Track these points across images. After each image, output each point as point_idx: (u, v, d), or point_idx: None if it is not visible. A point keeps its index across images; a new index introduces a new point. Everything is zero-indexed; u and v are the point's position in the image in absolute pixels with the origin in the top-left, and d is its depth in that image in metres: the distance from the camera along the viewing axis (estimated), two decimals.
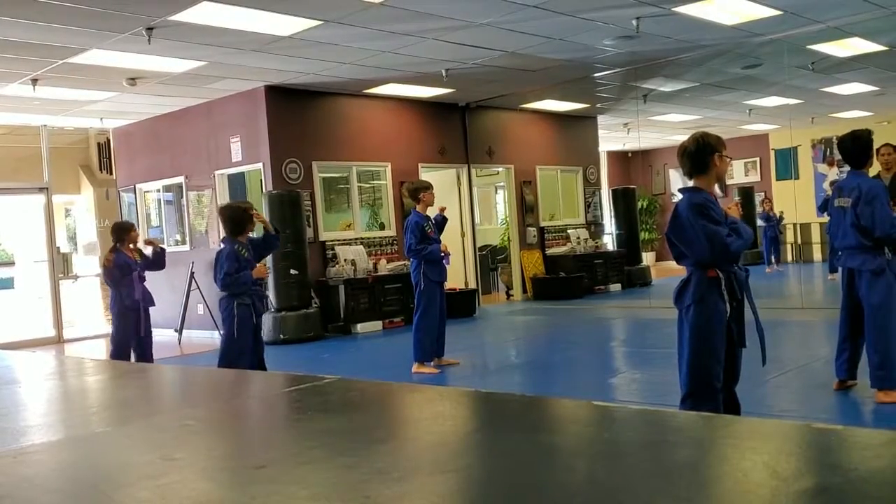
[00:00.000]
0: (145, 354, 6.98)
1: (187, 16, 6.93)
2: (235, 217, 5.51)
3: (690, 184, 3.70)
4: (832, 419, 4.73)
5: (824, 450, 1.28)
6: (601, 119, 14.91)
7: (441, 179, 12.73)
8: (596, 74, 10.88)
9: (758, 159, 18.26)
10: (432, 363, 7.03)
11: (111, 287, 7.00)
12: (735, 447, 1.33)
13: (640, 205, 17.14)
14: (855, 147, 5.04)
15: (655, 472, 1.21)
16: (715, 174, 3.66)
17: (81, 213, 13.63)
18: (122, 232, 7.02)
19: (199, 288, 10.52)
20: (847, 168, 5.18)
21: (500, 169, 13.61)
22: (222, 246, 5.53)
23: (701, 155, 3.62)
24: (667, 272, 17.46)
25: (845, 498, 1.05)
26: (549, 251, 13.75)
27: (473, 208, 13.05)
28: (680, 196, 3.75)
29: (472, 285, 12.55)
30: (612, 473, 1.24)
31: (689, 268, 3.66)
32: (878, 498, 1.05)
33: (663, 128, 16.40)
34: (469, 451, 1.46)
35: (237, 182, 11.57)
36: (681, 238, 3.62)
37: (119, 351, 6.88)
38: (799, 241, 16.79)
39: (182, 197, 11.48)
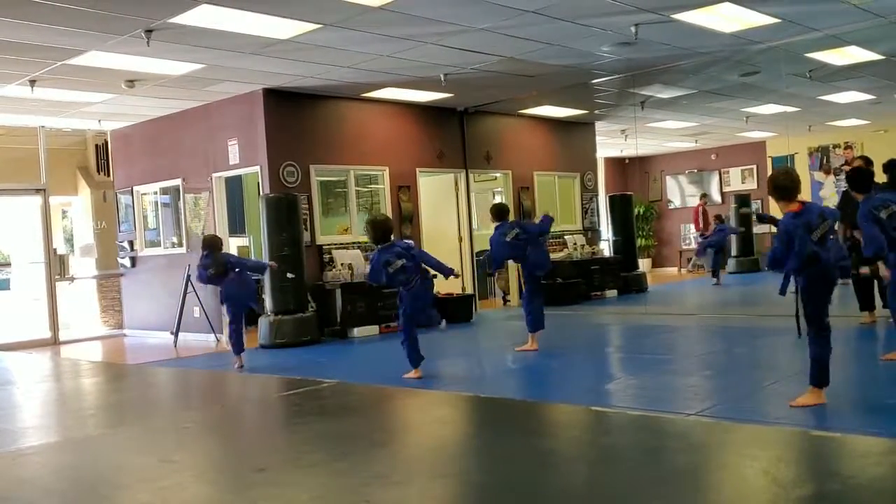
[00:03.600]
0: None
1: (186, 18, 6.94)
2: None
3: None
4: (831, 427, 4.73)
5: (823, 457, 1.29)
6: (599, 125, 14.92)
7: (439, 184, 12.74)
8: (594, 81, 10.90)
9: (755, 167, 18.28)
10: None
11: None
12: (734, 453, 1.33)
13: (636, 211, 17.15)
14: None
15: (655, 478, 1.21)
16: None
17: (78, 215, 13.59)
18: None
19: (195, 291, 10.49)
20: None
21: (498, 174, 13.61)
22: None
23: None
24: (663, 278, 17.49)
25: None
26: None
27: (471, 213, 13.05)
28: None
29: (470, 290, 12.54)
30: (611, 478, 1.24)
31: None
32: None
33: (661, 134, 16.43)
34: (467, 455, 1.46)
35: (234, 185, 11.56)
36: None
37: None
38: None
39: (179, 199, 11.46)
